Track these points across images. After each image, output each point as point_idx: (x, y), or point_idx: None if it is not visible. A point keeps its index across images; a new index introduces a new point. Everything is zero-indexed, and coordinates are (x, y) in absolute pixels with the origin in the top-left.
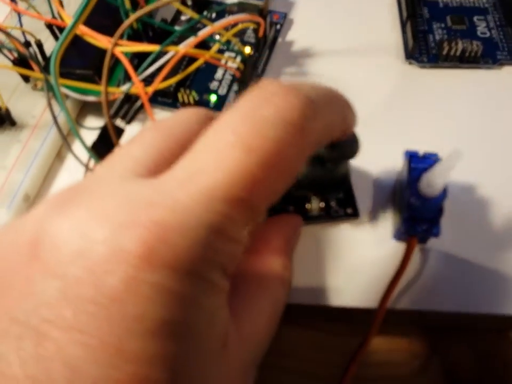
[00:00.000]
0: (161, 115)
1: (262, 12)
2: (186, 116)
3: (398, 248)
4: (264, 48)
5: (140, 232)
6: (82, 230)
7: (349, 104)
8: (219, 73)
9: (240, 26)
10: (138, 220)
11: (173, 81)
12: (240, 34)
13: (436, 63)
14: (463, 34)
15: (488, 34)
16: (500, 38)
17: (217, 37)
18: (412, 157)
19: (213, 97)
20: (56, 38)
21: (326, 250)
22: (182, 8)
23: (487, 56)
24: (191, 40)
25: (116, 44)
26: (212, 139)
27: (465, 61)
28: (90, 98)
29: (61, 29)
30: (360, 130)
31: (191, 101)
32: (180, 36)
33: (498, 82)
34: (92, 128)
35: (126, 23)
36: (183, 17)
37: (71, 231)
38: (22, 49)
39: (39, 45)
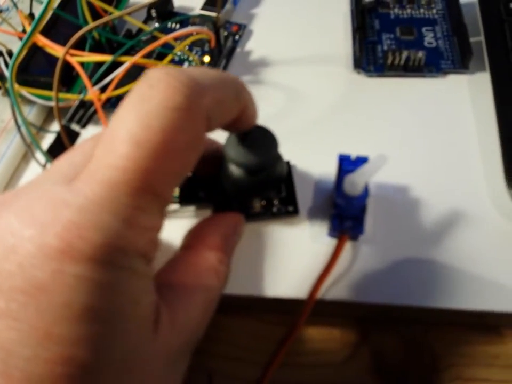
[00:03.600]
0: None
1: (216, 24)
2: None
3: (331, 244)
4: (220, 57)
5: (60, 230)
6: (13, 230)
7: (242, 85)
8: None
9: (192, 38)
10: (59, 219)
11: (126, 89)
12: (201, 44)
13: (382, 72)
14: (410, 44)
15: (434, 44)
16: (446, 48)
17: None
18: (343, 160)
19: None
20: None
21: (266, 245)
22: (132, 20)
23: (431, 65)
24: (142, 51)
25: (67, 53)
26: (108, 138)
27: (409, 69)
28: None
29: None
30: (307, 134)
31: None
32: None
33: (442, 90)
34: (55, 132)
35: (76, 35)
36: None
37: (4, 230)
38: None
39: (10, 54)
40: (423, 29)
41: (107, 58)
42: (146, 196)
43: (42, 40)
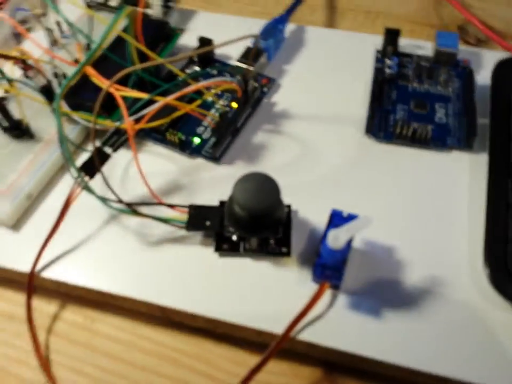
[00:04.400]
0: (152, 147)
1: (245, 77)
2: None
3: (313, 289)
4: (246, 106)
5: None
6: None
7: None
8: (209, 120)
9: (220, 87)
10: None
11: (157, 123)
12: (232, 91)
13: (390, 140)
14: (421, 118)
15: (444, 121)
16: (454, 125)
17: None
18: (334, 215)
19: (196, 140)
20: None
21: (254, 278)
22: (172, 67)
23: (438, 140)
24: (175, 94)
25: (110, 86)
26: None
27: (416, 141)
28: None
29: None
30: (312, 185)
31: (176, 140)
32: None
33: (444, 163)
34: (89, 151)
35: (121, 72)
36: (187, 70)
37: None
38: (45, 80)
39: (64, 77)
40: (436, 105)
41: (144, 96)
42: None
43: (91, 72)
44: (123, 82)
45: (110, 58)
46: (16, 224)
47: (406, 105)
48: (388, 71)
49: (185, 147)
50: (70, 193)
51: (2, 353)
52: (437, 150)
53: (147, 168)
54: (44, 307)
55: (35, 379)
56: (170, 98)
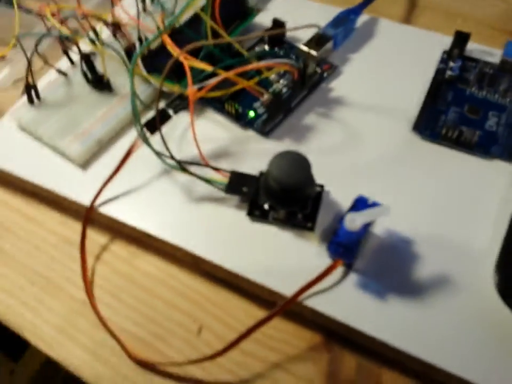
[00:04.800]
0: (211, 115)
1: (306, 61)
2: None
3: (327, 264)
4: (301, 88)
5: None
6: None
7: None
8: (264, 98)
9: (278, 68)
10: None
11: (216, 94)
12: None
13: (435, 140)
14: (472, 123)
15: (494, 129)
16: (503, 135)
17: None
18: (360, 200)
19: (251, 113)
20: None
21: (277, 245)
22: (238, 46)
23: (482, 147)
24: (235, 70)
25: (181, 55)
26: None
27: (460, 144)
28: (164, 88)
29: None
30: (349, 170)
31: (233, 111)
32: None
33: (482, 171)
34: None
35: (192, 45)
36: (257, 48)
37: None
38: (129, 43)
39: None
40: (490, 113)
41: (209, 68)
42: None
43: (168, 40)
44: (195, 54)
45: (186, 32)
46: (85, 164)
47: (459, 108)
48: (449, 72)
49: (240, 118)
50: (132, 145)
51: (57, 270)
52: (479, 157)
53: (202, 132)
54: (96, 238)
55: (79, 296)
56: (230, 73)
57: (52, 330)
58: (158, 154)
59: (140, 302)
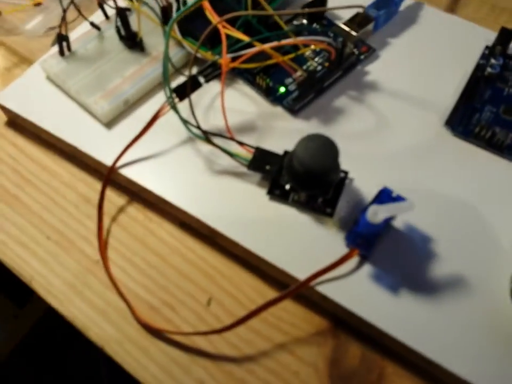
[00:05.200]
0: (242, 87)
1: (344, 41)
2: None
3: (343, 252)
4: (336, 69)
5: None
6: None
7: None
8: (297, 74)
9: (315, 46)
10: None
11: (250, 65)
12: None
13: (467, 137)
14: (507, 124)
15: None
16: None
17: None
18: (384, 192)
19: (282, 89)
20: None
21: (294, 227)
22: (278, 19)
23: None
24: (272, 44)
25: (219, 22)
26: None
27: (492, 145)
28: (198, 54)
29: None
30: (376, 159)
31: (264, 85)
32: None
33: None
34: (186, 76)
35: (232, 14)
36: (295, 22)
37: None
38: (166, 3)
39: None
40: None
41: (245, 38)
42: None
43: (207, 6)
44: (232, 22)
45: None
46: (110, 123)
47: (495, 108)
48: (489, 69)
49: (270, 93)
50: (160, 109)
51: (74, 228)
52: (510, 160)
53: (231, 104)
54: (114, 199)
55: (93, 255)
56: (266, 46)
57: (62, 285)
58: (184, 121)
59: (152, 268)
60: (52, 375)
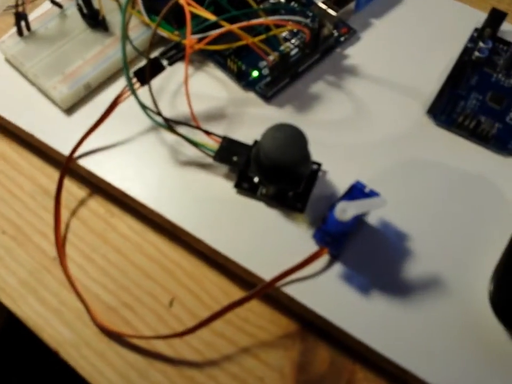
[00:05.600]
0: (212, 70)
1: (322, 21)
2: None
3: (312, 250)
4: (313, 52)
5: None
6: None
7: None
8: (270, 58)
9: (289, 27)
10: None
11: (217, 47)
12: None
13: (449, 127)
14: (492, 113)
15: None
16: None
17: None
18: (356, 187)
19: (255, 73)
20: None
21: (261, 223)
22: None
23: (499, 141)
24: (240, 24)
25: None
26: None
27: (476, 136)
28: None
29: None
30: (353, 149)
31: (235, 68)
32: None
33: (496, 169)
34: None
35: None
36: (271, 0)
37: None
38: None
39: None
40: None
41: (212, 17)
42: None
43: None
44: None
45: None
46: (70, 109)
47: (481, 95)
48: (477, 53)
49: (242, 77)
50: (120, 94)
51: (29, 221)
52: (495, 152)
53: (199, 88)
54: (74, 191)
55: (49, 251)
56: (234, 26)
57: (16, 283)
58: (145, 108)
59: (112, 266)
60: None
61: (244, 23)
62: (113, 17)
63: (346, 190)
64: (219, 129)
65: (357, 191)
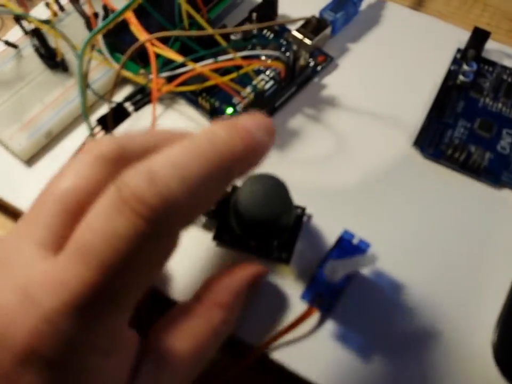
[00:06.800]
0: (184, 108)
1: (297, 53)
2: (85, 171)
3: (301, 308)
4: (289, 85)
5: (25, 332)
6: None
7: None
8: (246, 92)
9: (263, 63)
10: (26, 319)
11: (187, 88)
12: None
13: (438, 159)
14: (482, 142)
15: (507, 151)
16: None
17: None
18: (344, 238)
19: (229, 110)
20: None
21: None
22: (218, 38)
23: (491, 173)
24: (209, 63)
25: (147, 42)
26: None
27: (467, 168)
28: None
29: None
30: (337, 189)
31: (207, 106)
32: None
33: (489, 201)
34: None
35: (157, 34)
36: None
37: None
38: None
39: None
40: (504, 131)
41: (179, 59)
42: (92, 316)
43: (132, 20)
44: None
45: (160, 7)
46: (30, 160)
47: (469, 123)
48: (461, 77)
49: (215, 115)
50: (82, 145)
51: None
52: (488, 184)
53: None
54: None
55: None
56: (202, 69)
57: None
58: None
59: None
60: None
61: (214, 65)
62: (72, 57)
63: (335, 242)
64: None
65: (345, 243)
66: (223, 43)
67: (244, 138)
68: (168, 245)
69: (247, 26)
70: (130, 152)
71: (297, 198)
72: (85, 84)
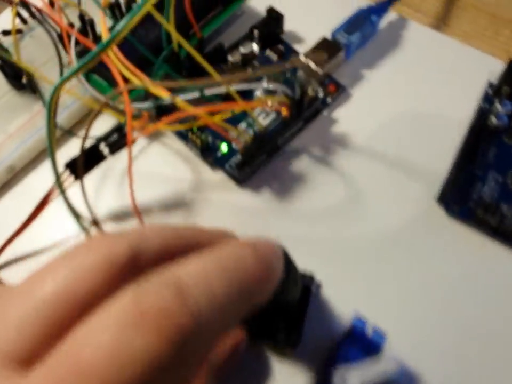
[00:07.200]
0: (172, 142)
1: (305, 85)
2: (85, 274)
3: None
4: (296, 120)
5: None
6: None
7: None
8: (233, 138)
9: (262, 104)
10: None
11: (173, 128)
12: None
13: (466, 219)
14: None
15: None
16: None
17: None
18: (356, 326)
19: (224, 147)
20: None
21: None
22: (215, 74)
23: None
24: (203, 107)
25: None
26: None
27: (500, 232)
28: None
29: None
30: (347, 249)
31: (199, 143)
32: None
33: None
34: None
35: (160, 83)
36: (241, 49)
37: None
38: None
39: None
40: None
41: (165, 96)
42: None
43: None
44: (146, 67)
45: (142, 31)
46: None
47: (501, 175)
48: (493, 120)
49: (208, 153)
50: (47, 194)
51: None
52: None
53: (155, 167)
54: None
55: None
56: (195, 111)
57: None
58: (77, 217)
59: None
60: None
61: (206, 108)
62: (45, 73)
63: (346, 332)
64: (177, 219)
65: (357, 332)
66: (218, 76)
67: (267, 270)
68: (186, 374)
69: (250, 72)
70: (145, 257)
71: (301, 260)
72: (53, 128)
